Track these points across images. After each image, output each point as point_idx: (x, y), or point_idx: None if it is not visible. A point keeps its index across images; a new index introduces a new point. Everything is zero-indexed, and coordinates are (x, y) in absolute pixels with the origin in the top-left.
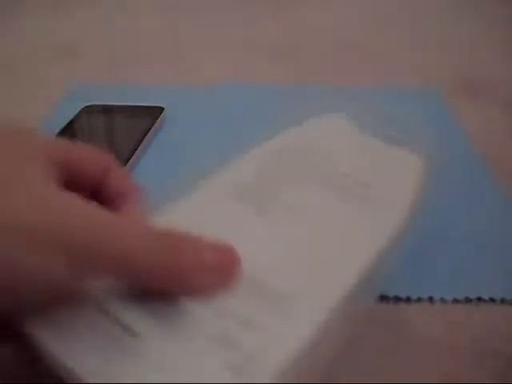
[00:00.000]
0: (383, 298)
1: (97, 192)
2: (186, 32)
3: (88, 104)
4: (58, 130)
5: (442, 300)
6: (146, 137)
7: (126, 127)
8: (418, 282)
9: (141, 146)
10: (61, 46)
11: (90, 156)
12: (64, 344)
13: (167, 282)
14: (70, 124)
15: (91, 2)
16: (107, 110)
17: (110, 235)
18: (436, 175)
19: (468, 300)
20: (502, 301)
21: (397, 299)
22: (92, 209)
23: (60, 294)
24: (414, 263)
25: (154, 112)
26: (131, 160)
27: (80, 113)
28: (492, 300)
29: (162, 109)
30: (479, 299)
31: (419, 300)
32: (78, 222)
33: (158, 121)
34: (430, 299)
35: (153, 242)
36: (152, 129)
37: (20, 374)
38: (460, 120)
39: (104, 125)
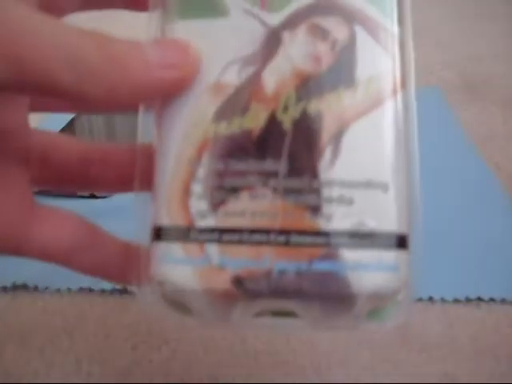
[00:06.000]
0: None
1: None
2: None
3: None
4: (58, 129)
5: (442, 300)
6: None
7: (126, 126)
8: (417, 282)
9: None
10: None
11: None
12: None
13: (107, 82)
14: (71, 123)
15: None
16: None
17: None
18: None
19: (468, 300)
20: (502, 301)
21: None
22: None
23: None
24: (413, 263)
25: None
26: None
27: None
28: (492, 300)
29: None
30: (479, 299)
31: (419, 300)
32: None
33: None
34: (430, 299)
35: (81, 35)
36: None
37: None
38: (460, 120)
39: (104, 124)
